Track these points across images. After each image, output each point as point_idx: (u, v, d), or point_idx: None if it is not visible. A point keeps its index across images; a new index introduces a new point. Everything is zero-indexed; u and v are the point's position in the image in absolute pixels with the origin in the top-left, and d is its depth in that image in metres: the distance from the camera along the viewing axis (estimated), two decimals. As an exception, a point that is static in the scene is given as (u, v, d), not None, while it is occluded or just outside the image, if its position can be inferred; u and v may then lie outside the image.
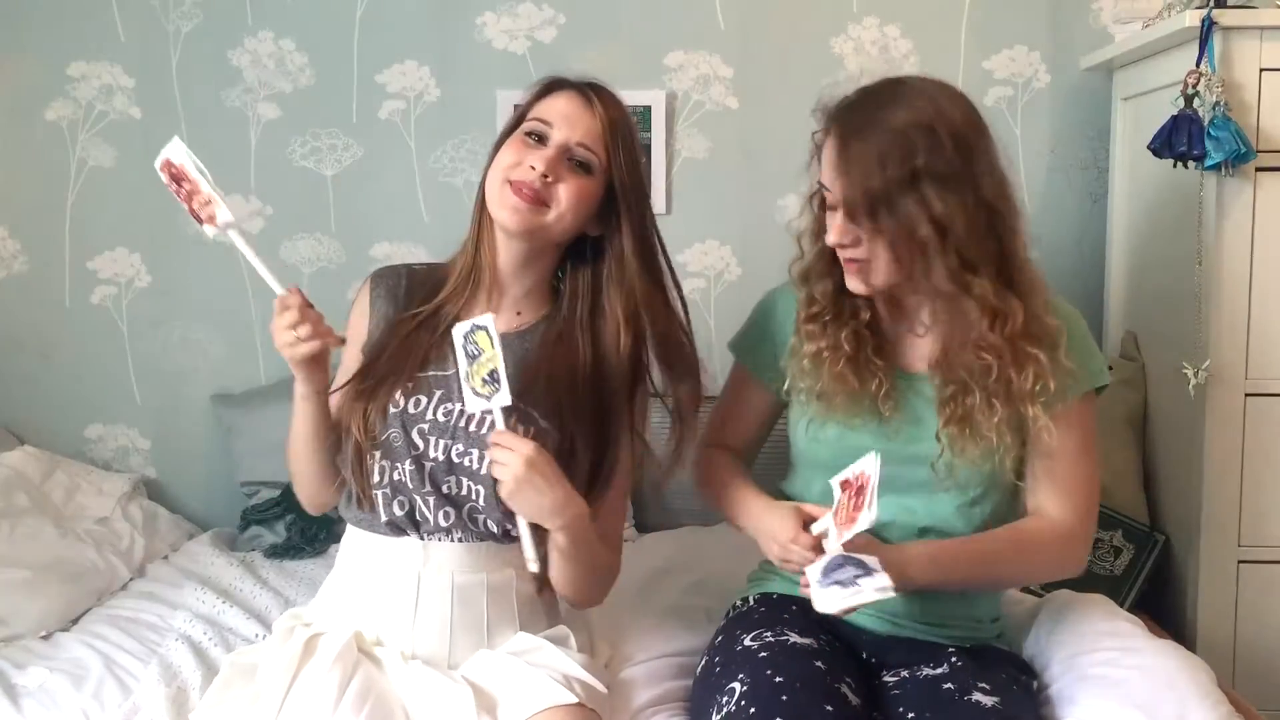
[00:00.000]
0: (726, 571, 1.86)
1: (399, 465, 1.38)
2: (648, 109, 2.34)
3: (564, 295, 1.46)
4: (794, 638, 1.38)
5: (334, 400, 1.41)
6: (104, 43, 2.37)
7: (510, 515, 1.37)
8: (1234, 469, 1.85)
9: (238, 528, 2.30)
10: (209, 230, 1.33)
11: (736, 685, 1.30)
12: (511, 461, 1.27)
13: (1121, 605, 1.76)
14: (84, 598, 1.91)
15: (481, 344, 1.28)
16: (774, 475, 1.58)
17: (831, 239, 1.37)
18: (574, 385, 1.40)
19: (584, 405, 1.40)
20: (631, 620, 1.64)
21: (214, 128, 2.38)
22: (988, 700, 1.30)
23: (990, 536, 1.42)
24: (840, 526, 1.26)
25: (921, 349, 1.45)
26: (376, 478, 1.39)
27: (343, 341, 1.40)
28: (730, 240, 2.40)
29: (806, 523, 1.35)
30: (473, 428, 1.38)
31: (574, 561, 1.36)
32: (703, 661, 1.45)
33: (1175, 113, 1.80)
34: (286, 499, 2.22)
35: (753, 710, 1.25)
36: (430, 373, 1.41)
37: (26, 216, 2.40)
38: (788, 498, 1.49)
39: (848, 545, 1.25)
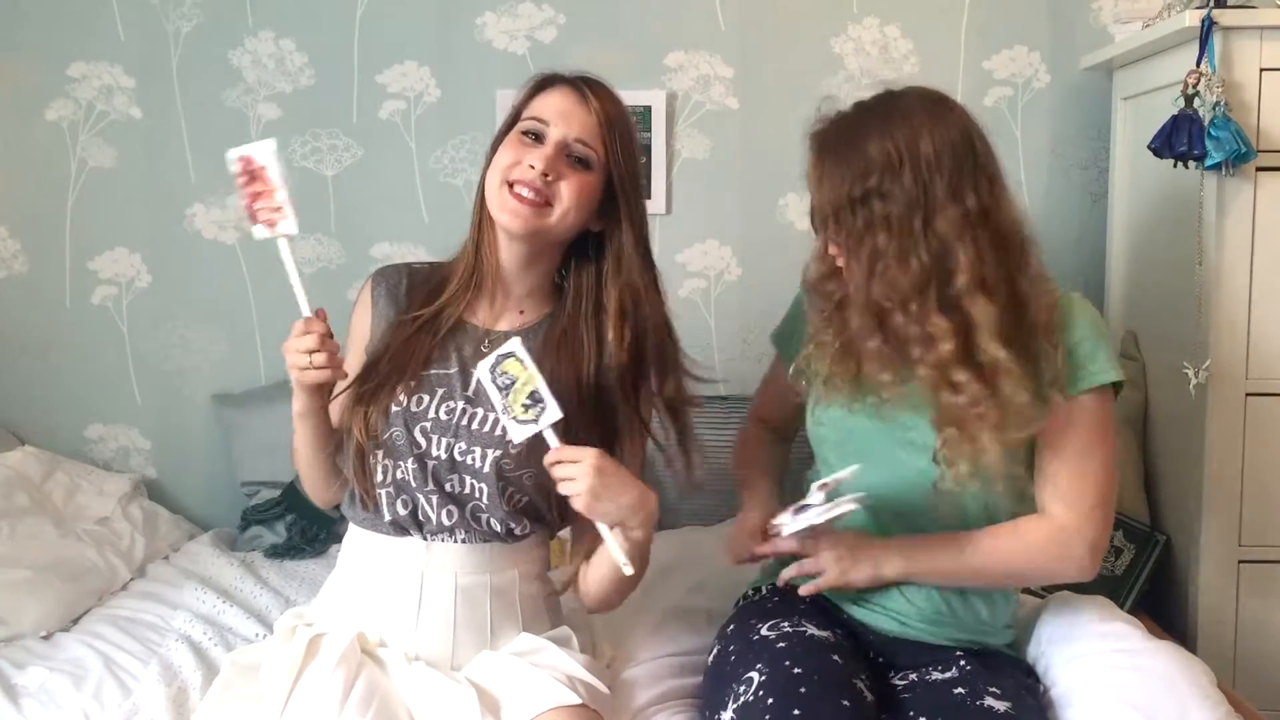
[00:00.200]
0: (727, 571, 1.86)
1: (402, 464, 1.38)
2: (648, 109, 2.34)
3: (568, 293, 1.46)
4: (812, 630, 1.38)
5: (335, 403, 1.41)
6: (104, 43, 2.37)
7: (513, 514, 1.38)
8: (1234, 469, 1.85)
9: (238, 528, 2.30)
10: (260, 232, 1.33)
11: (755, 675, 1.30)
12: (579, 473, 1.25)
13: (1122, 605, 1.77)
14: (84, 598, 1.91)
15: (512, 371, 1.27)
16: (805, 466, 1.63)
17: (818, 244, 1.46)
18: (579, 383, 1.39)
19: (589, 403, 1.39)
20: (633, 621, 1.64)
21: (214, 128, 2.38)
22: (1000, 705, 1.30)
23: (977, 536, 1.42)
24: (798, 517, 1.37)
25: None
26: (379, 477, 1.38)
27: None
28: (730, 240, 2.40)
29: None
30: (475, 425, 1.38)
31: (640, 559, 1.34)
32: (715, 650, 1.45)
33: (1175, 113, 1.80)
34: (287, 499, 2.23)
35: (770, 701, 1.25)
36: (432, 371, 1.41)
37: (26, 216, 2.40)
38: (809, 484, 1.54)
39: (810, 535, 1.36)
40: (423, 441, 1.38)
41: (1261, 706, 1.66)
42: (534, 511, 1.42)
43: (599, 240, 1.43)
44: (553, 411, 1.26)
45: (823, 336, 1.45)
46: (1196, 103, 1.78)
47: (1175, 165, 1.83)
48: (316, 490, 1.48)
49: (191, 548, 2.19)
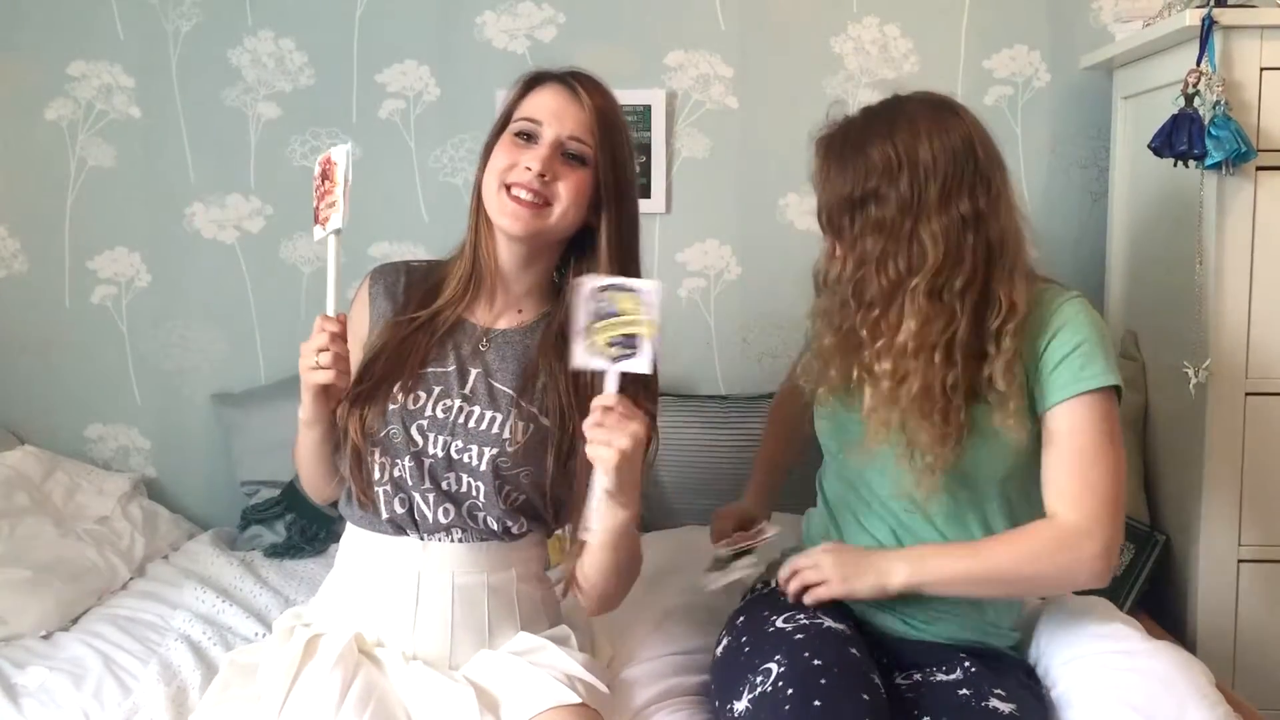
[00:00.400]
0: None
1: (399, 462, 1.38)
2: (648, 109, 2.34)
3: (566, 291, 1.45)
4: (829, 622, 1.38)
5: None
6: (104, 42, 2.37)
7: (510, 513, 1.38)
8: (1234, 469, 1.85)
9: (238, 527, 2.30)
10: (318, 233, 1.37)
11: (773, 666, 1.29)
12: (627, 433, 1.21)
13: (1122, 605, 1.77)
14: (84, 597, 1.91)
15: (621, 304, 1.21)
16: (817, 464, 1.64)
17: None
18: (576, 382, 1.39)
19: (586, 403, 1.39)
20: (633, 620, 1.64)
21: (214, 127, 2.38)
22: (1005, 707, 1.30)
23: (988, 543, 1.41)
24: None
25: None
26: (377, 474, 1.38)
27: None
28: (730, 240, 2.40)
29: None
30: (472, 424, 1.38)
31: (621, 551, 1.34)
32: (724, 642, 1.44)
33: (1175, 112, 1.79)
34: (287, 498, 2.23)
35: (790, 691, 1.24)
36: (430, 369, 1.41)
37: (26, 216, 2.40)
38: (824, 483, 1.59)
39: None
40: (419, 439, 1.38)
41: (1261, 706, 1.66)
42: (531, 510, 1.42)
43: (595, 237, 1.42)
44: (642, 363, 1.20)
45: (818, 335, 1.47)
46: (1196, 102, 1.78)
47: (1175, 164, 1.83)
48: (315, 488, 1.48)
49: (191, 547, 2.19)
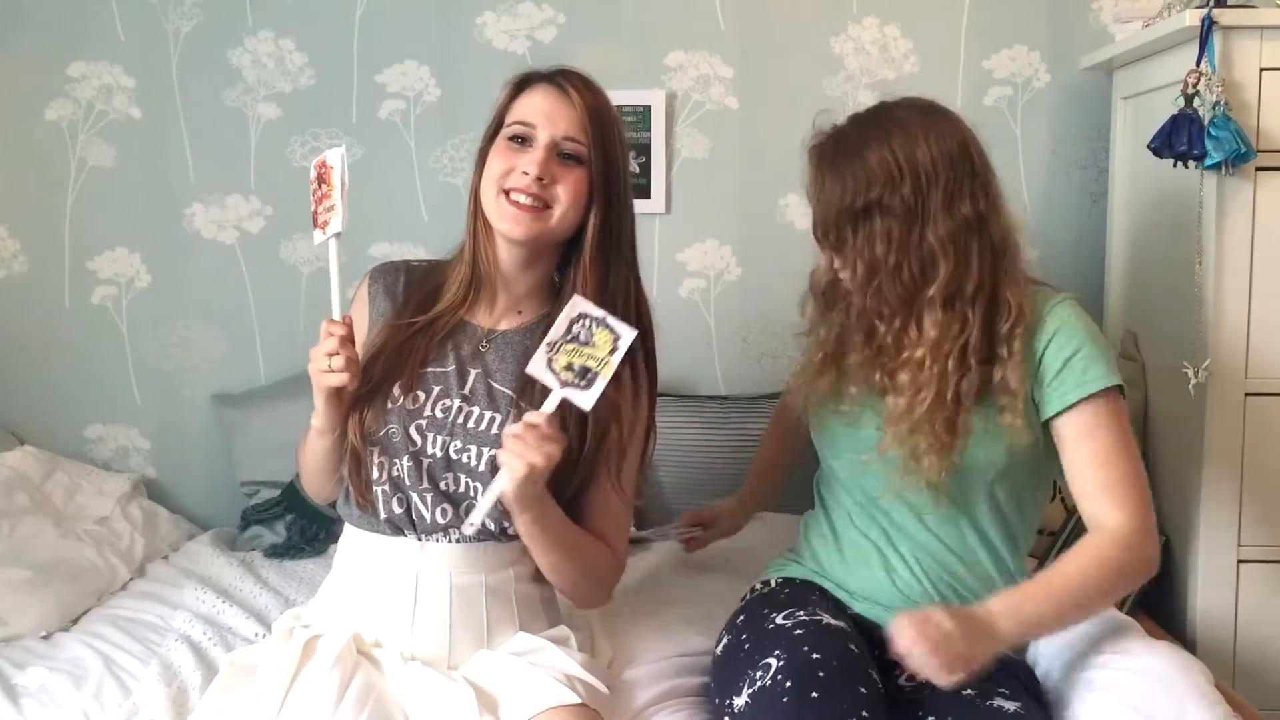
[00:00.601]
0: (728, 572, 1.87)
1: (397, 461, 1.38)
2: (648, 109, 2.34)
3: (565, 291, 1.45)
4: (828, 619, 1.39)
5: None
6: (104, 43, 2.37)
7: (508, 513, 1.37)
8: (1234, 469, 1.85)
9: (238, 527, 2.30)
10: (318, 237, 1.37)
11: (773, 661, 1.30)
12: (545, 449, 1.24)
13: (1121, 605, 1.76)
14: (84, 598, 1.91)
15: (598, 339, 1.26)
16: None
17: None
18: None
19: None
20: (633, 620, 1.64)
21: (214, 128, 2.38)
22: (1010, 705, 1.30)
23: (1058, 570, 1.35)
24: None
25: None
26: (375, 474, 1.38)
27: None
28: (730, 240, 2.40)
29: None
30: (470, 424, 1.38)
31: (552, 551, 1.36)
32: (725, 640, 1.45)
33: (1175, 112, 1.79)
34: (287, 499, 2.23)
35: (789, 684, 1.25)
36: (429, 369, 1.41)
37: (26, 216, 2.40)
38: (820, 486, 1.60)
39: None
40: (418, 439, 1.38)
41: (1261, 706, 1.66)
42: (529, 511, 1.42)
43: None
44: (586, 400, 1.27)
45: (812, 347, 1.49)
46: (1196, 102, 1.78)
47: (1175, 165, 1.83)
48: (316, 488, 1.48)
49: (191, 547, 2.19)
